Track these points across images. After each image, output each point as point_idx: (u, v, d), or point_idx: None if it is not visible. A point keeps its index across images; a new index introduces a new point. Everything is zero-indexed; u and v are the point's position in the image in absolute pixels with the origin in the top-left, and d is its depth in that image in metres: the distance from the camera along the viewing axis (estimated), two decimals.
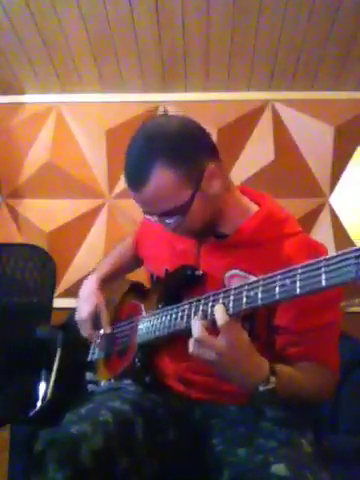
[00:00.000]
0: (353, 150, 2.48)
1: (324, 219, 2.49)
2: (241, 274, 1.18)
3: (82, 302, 1.44)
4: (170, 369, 1.28)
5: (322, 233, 2.43)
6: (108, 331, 1.41)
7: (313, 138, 2.49)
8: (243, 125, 2.51)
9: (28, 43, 2.28)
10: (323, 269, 0.82)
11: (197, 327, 0.98)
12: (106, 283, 1.48)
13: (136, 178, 1.12)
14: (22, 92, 2.56)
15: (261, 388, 0.98)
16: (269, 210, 1.24)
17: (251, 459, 1.03)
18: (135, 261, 1.54)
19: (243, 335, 0.98)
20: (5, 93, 2.56)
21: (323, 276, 0.82)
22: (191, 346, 0.98)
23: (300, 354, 1.14)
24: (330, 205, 2.50)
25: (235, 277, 1.18)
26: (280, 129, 2.51)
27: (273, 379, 0.98)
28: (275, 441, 1.06)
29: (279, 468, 0.97)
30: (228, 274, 1.19)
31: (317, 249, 1.19)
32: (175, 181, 1.10)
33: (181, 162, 1.10)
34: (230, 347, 0.96)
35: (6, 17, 2.14)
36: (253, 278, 1.14)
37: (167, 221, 1.17)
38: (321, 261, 0.83)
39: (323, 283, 0.81)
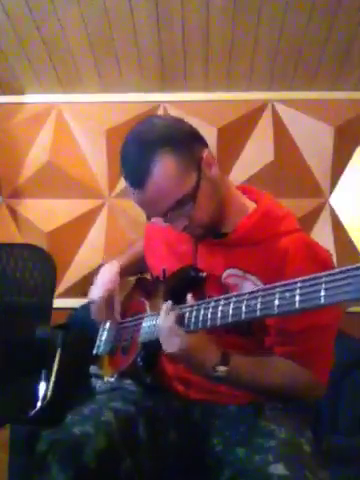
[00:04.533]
0: (353, 150, 2.48)
1: (324, 219, 2.49)
2: (239, 273, 1.18)
3: (99, 285, 1.42)
4: (169, 369, 1.28)
5: (322, 233, 2.43)
6: (118, 319, 1.40)
7: (313, 138, 2.49)
8: (243, 125, 2.51)
9: (28, 43, 2.27)
10: (323, 285, 0.79)
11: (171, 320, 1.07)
12: (123, 275, 1.47)
13: (138, 174, 1.10)
14: (22, 92, 2.56)
15: (212, 373, 1.08)
16: (266, 208, 1.23)
17: (250, 459, 1.03)
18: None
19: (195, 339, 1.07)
20: (5, 93, 2.56)
21: (322, 293, 0.79)
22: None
23: (286, 354, 1.15)
24: (330, 205, 2.50)
25: (232, 276, 1.18)
26: (280, 129, 2.51)
27: (221, 368, 1.07)
28: (274, 441, 1.06)
29: (278, 468, 0.98)
30: (226, 273, 1.19)
31: (317, 252, 1.18)
32: (178, 167, 1.10)
33: (179, 148, 1.11)
34: (189, 342, 1.07)
35: (6, 17, 2.14)
36: (250, 277, 1.15)
37: (178, 215, 1.14)
38: (322, 276, 0.80)
39: (322, 300, 0.79)
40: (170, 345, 1.08)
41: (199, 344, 1.07)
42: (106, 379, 1.34)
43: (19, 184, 2.56)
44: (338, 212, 2.49)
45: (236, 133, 2.49)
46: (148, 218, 1.20)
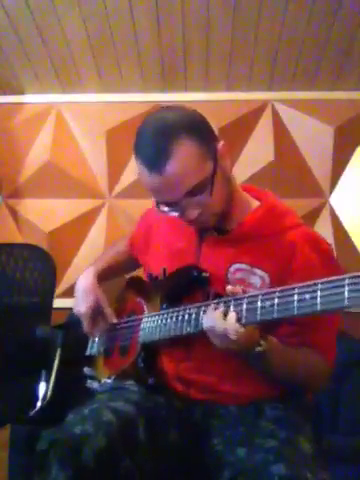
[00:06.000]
0: (353, 150, 2.48)
1: (324, 219, 2.49)
2: (246, 268, 1.19)
3: (81, 296, 1.41)
4: (170, 369, 1.27)
5: (322, 233, 2.40)
6: (114, 321, 1.40)
7: (313, 138, 2.50)
8: (243, 125, 2.51)
9: (28, 43, 2.28)
10: (347, 287, 0.82)
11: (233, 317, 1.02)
12: (101, 280, 1.45)
13: (159, 156, 1.09)
14: (22, 92, 2.56)
15: (255, 350, 1.05)
16: (270, 204, 1.26)
17: (251, 459, 1.03)
18: (130, 263, 1.53)
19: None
20: (5, 93, 2.56)
21: (346, 294, 0.82)
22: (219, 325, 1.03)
23: (300, 343, 1.16)
24: (330, 205, 2.50)
25: (239, 271, 1.19)
26: (280, 129, 2.51)
27: (263, 342, 1.05)
28: (275, 441, 1.06)
29: (278, 468, 0.97)
30: (232, 268, 1.19)
31: (321, 243, 1.23)
32: (198, 152, 1.10)
33: (200, 135, 1.11)
34: (244, 338, 1.02)
35: (6, 17, 2.14)
36: (257, 271, 1.16)
37: (191, 203, 1.13)
38: (345, 278, 0.83)
39: (346, 302, 0.82)
40: (230, 343, 1.03)
41: (252, 334, 1.05)
42: (103, 380, 1.33)
43: (19, 184, 2.56)
44: (338, 212, 2.49)
45: (236, 133, 2.50)
46: (158, 205, 1.19)
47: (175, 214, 1.18)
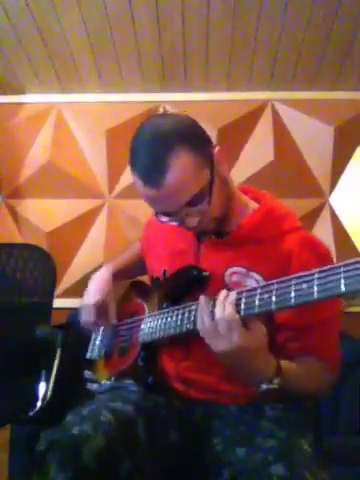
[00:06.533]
0: (353, 150, 2.48)
1: (324, 219, 2.49)
2: (242, 271, 1.19)
3: (93, 289, 1.43)
4: (170, 369, 1.28)
5: (322, 233, 2.43)
6: (114, 322, 1.41)
7: (313, 138, 2.49)
8: (243, 125, 2.51)
9: (28, 43, 2.27)
10: (342, 274, 0.83)
11: (230, 310, 0.99)
12: (117, 278, 1.47)
13: (156, 169, 1.09)
14: (22, 92, 2.56)
15: (264, 386, 1.01)
16: (269, 207, 1.25)
17: (250, 459, 1.03)
18: (143, 266, 1.53)
19: (264, 331, 1.01)
20: (5, 93, 2.56)
21: (342, 281, 0.82)
22: (212, 326, 1.00)
23: (300, 349, 1.16)
24: (330, 205, 2.50)
25: (236, 274, 1.19)
26: (280, 129, 2.51)
27: (277, 380, 1.02)
28: (275, 441, 1.06)
29: (278, 468, 0.98)
30: (229, 271, 1.20)
31: (319, 247, 1.21)
32: (194, 162, 1.10)
33: (195, 144, 1.11)
34: (251, 341, 0.98)
35: (6, 17, 2.14)
36: (254, 275, 1.16)
37: (191, 212, 1.13)
38: (340, 266, 0.83)
39: (342, 289, 0.82)
40: (224, 342, 0.99)
41: (260, 346, 1.00)
42: (103, 382, 1.34)
43: (19, 184, 2.56)
44: (338, 212, 2.49)
45: (236, 133, 2.49)
46: (156, 215, 1.19)
47: (175, 223, 1.18)
